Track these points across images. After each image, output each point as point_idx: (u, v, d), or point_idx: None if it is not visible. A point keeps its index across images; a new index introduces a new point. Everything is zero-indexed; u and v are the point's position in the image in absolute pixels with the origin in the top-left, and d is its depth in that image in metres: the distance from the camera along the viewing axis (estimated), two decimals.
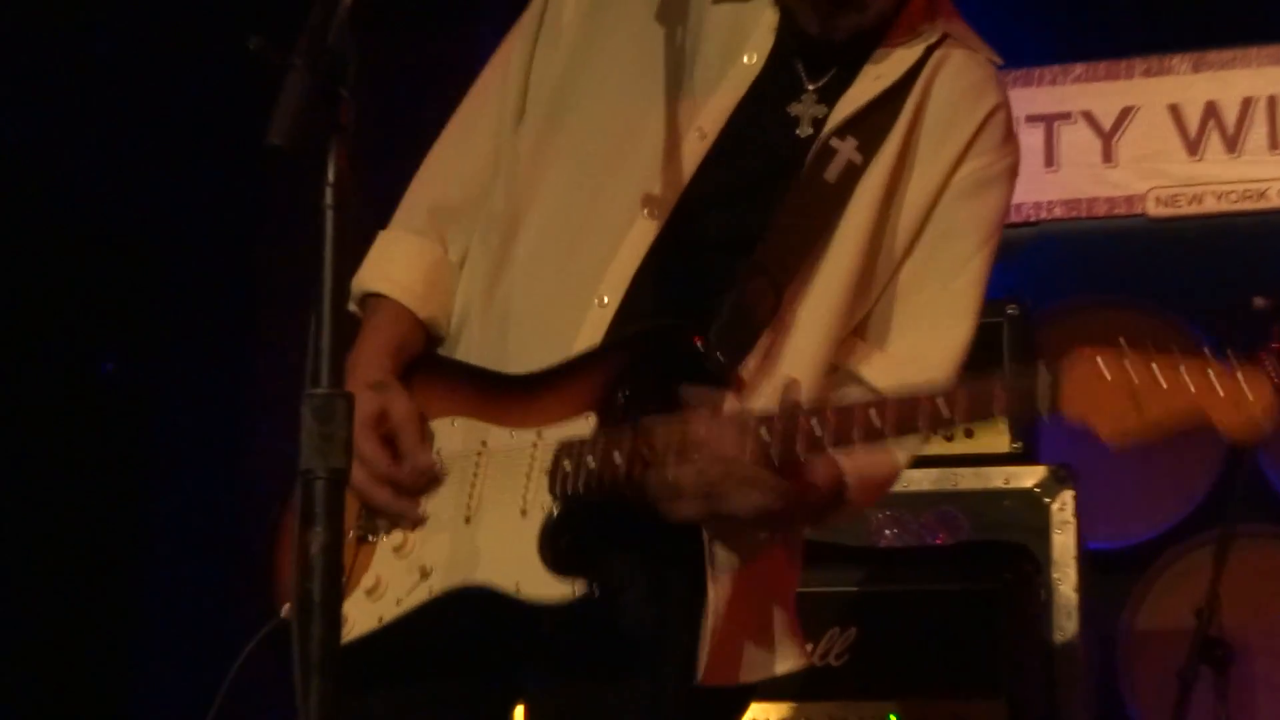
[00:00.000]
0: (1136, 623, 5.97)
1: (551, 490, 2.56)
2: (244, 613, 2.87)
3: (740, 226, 2.69)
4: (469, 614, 2.60)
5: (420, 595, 2.62)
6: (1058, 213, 6.56)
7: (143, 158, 6.25)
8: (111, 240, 6.26)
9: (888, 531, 4.65)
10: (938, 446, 4.71)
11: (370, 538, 2.71)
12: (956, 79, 2.81)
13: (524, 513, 2.58)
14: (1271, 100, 6.44)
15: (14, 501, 5.69)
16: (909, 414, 2.34)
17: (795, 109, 2.75)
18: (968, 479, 4.69)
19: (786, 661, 2.76)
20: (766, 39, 2.78)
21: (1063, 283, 6.32)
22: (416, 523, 2.65)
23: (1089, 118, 6.62)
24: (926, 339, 2.77)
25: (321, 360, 1.98)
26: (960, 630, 4.40)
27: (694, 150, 2.72)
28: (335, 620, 1.96)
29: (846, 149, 2.70)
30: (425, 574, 2.63)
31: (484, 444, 2.67)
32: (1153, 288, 6.31)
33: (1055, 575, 4.57)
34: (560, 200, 2.78)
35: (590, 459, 2.53)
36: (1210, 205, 6.43)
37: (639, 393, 2.57)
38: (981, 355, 4.69)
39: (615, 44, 2.83)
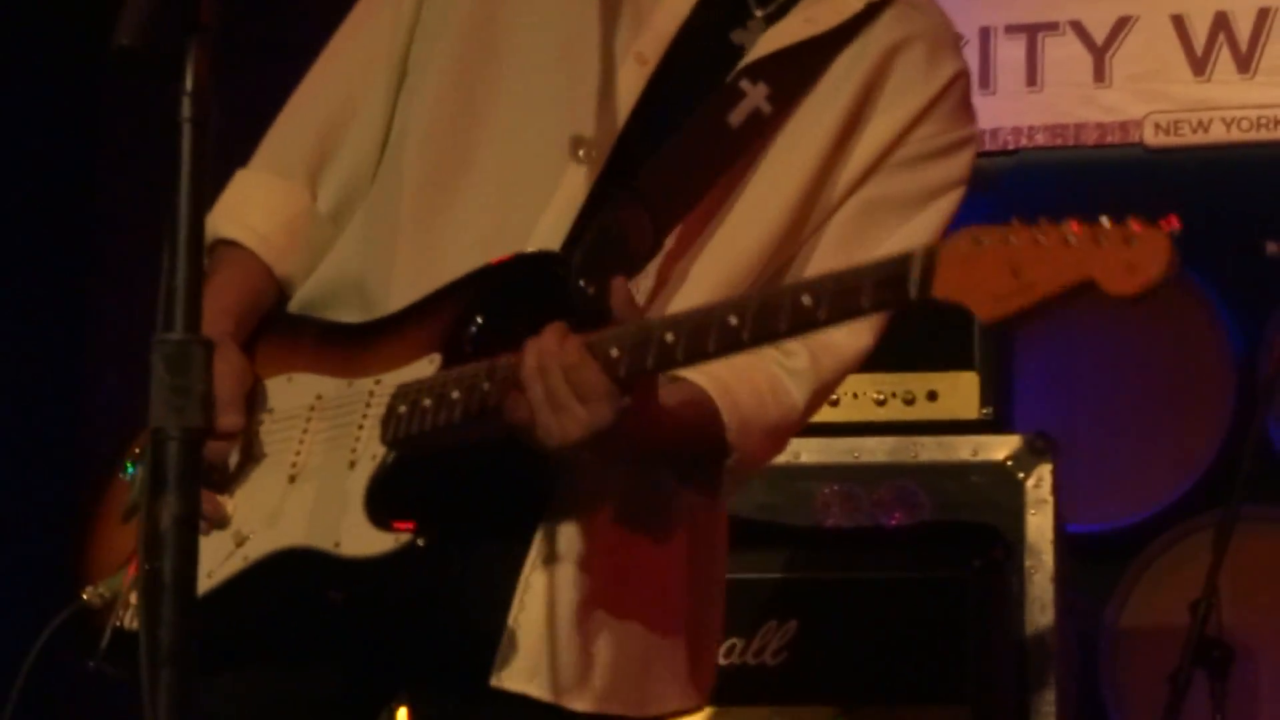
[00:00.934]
0: (1123, 618, 5.98)
1: (383, 438, 2.62)
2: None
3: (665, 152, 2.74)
4: (289, 584, 2.67)
5: (235, 564, 2.67)
6: (1040, 139, 6.58)
7: None
8: None
9: (835, 509, 4.68)
10: (894, 412, 4.76)
11: None
12: (911, 42, 2.85)
13: (352, 465, 2.64)
14: None
15: None
16: (771, 312, 2.34)
17: (739, 36, 2.80)
18: (929, 449, 4.73)
19: (660, 702, 2.81)
20: None
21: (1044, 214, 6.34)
22: (220, 489, 2.68)
23: (1078, 29, 6.62)
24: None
25: (176, 302, 1.98)
26: (918, 625, 4.45)
27: (632, 79, 2.76)
28: (189, 604, 1.96)
29: (756, 94, 2.75)
30: (241, 541, 2.69)
31: (318, 397, 2.74)
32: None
33: (1029, 562, 4.60)
34: (480, 149, 2.80)
35: (426, 399, 2.58)
36: (1218, 134, 6.45)
37: (490, 329, 2.62)
38: (945, 312, 4.79)
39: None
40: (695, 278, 2.71)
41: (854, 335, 2.68)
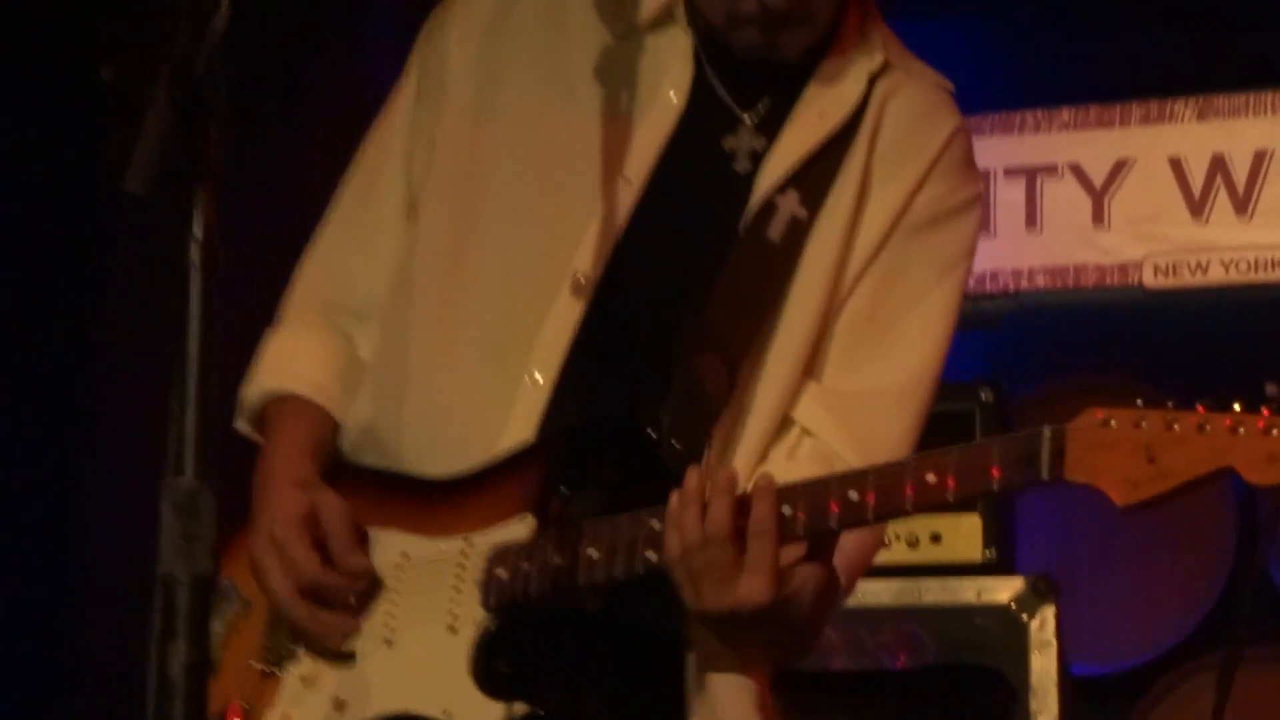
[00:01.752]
0: None
1: (484, 603, 2.58)
2: None
3: (682, 286, 2.73)
4: None
5: None
6: (1040, 282, 6.60)
7: None
8: None
9: (840, 652, 4.67)
10: (898, 554, 4.77)
11: (276, 671, 2.71)
12: (908, 106, 2.85)
13: (453, 629, 2.59)
14: None
15: None
16: (894, 490, 2.37)
17: (730, 143, 2.79)
18: (933, 592, 4.72)
19: None
20: (686, 69, 2.81)
21: (1045, 363, 6.38)
22: (345, 638, 2.64)
23: (1078, 171, 6.68)
24: (873, 376, 2.78)
25: (185, 445, 1.98)
26: None
27: (621, 200, 2.74)
28: None
29: (789, 203, 2.74)
30: (340, 706, 2.63)
31: (405, 555, 2.69)
32: (1149, 370, 6.32)
33: (1034, 705, 4.59)
34: (479, 278, 2.79)
35: (526, 565, 2.55)
36: (1217, 275, 6.48)
37: (582, 489, 2.60)
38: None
39: (516, 97, 2.86)
40: (761, 405, 2.68)
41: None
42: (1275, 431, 2.17)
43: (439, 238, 2.85)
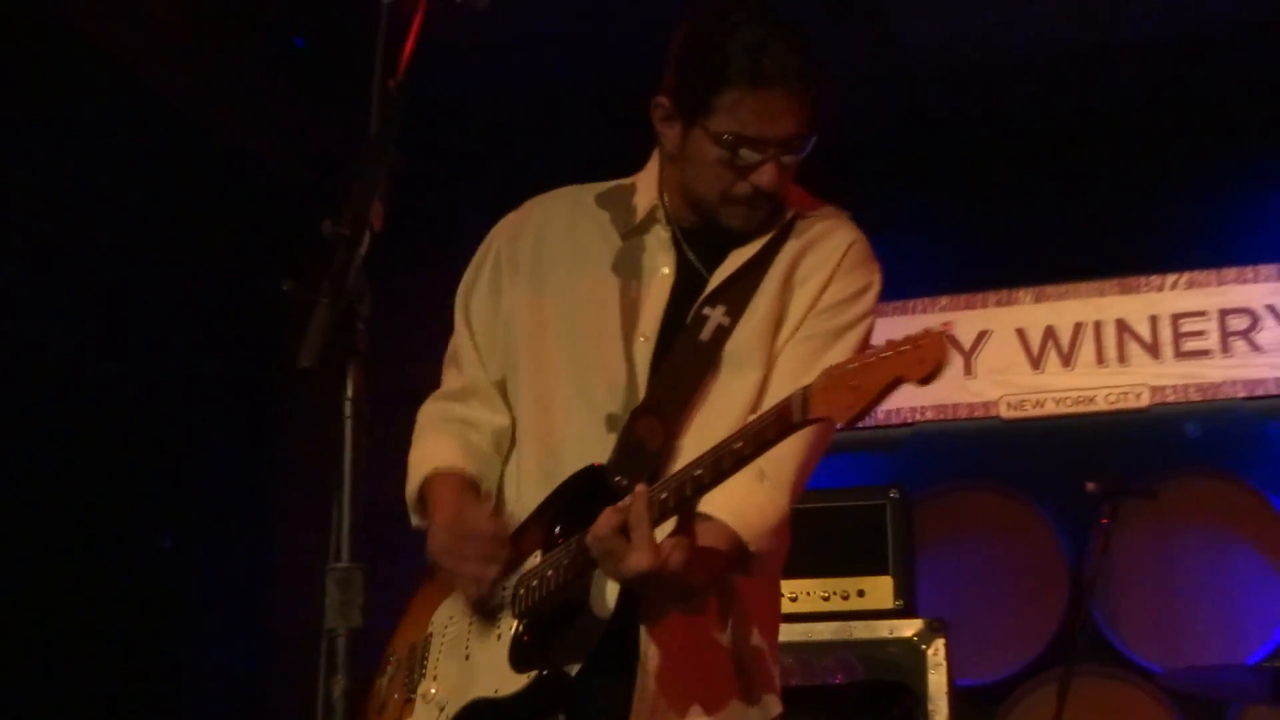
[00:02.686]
0: None
1: (514, 614, 2.62)
2: None
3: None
4: None
5: None
6: (929, 415, 6.57)
7: (197, 374, 6.27)
8: (172, 447, 6.27)
9: (796, 673, 4.64)
10: (835, 605, 4.77)
11: (412, 696, 2.76)
12: (815, 233, 2.82)
13: (499, 637, 2.63)
14: (1097, 325, 6.49)
15: (87, 645, 5.64)
16: (718, 460, 2.39)
17: (706, 310, 2.75)
18: (860, 630, 4.70)
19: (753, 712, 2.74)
20: (671, 252, 2.80)
21: (934, 471, 6.32)
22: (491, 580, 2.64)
23: (952, 339, 6.64)
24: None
25: (342, 539, 2.00)
26: None
27: (642, 354, 2.73)
28: None
29: (716, 314, 2.71)
30: (441, 707, 2.67)
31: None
32: (1006, 475, 6.31)
33: (931, 708, 4.56)
34: (556, 421, 2.79)
35: (535, 581, 2.59)
36: (1050, 408, 6.48)
37: (568, 525, 2.60)
38: (870, 531, 4.79)
39: (562, 289, 2.86)
40: (688, 449, 2.64)
41: (792, 445, 2.55)
42: (922, 344, 2.20)
43: (528, 393, 2.85)
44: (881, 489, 4.90)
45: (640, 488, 2.42)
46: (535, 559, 2.64)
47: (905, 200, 6.77)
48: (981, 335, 6.61)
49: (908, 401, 6.59)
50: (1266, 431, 6.28)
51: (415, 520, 2.88)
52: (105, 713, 5.73)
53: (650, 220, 2.84)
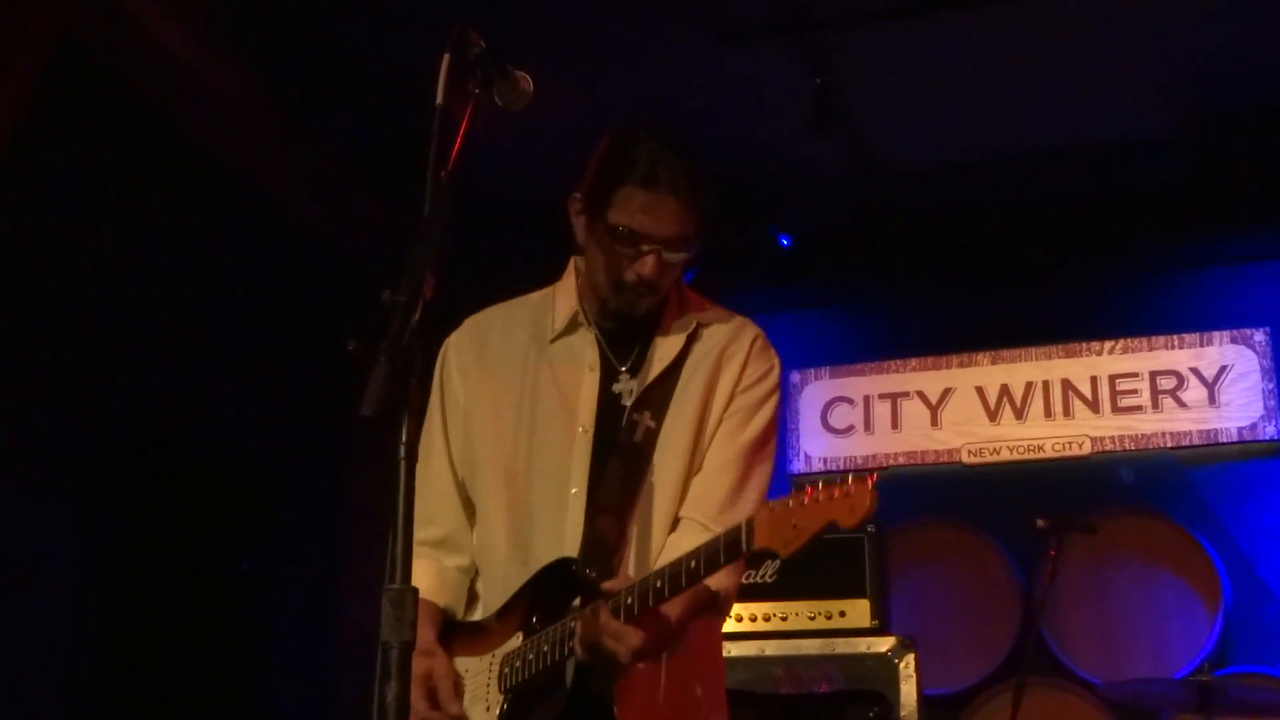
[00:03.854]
0: None
1: (500, 689, 2.60)
2: None
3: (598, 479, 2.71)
4: None
5: None
6: (900, 460, 6.58)
7: (276, 421, 6.28)
8: (253, 484, 6.27)
9: (786, 682, 4.61)
10: (820, 623, 4.74)
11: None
12: (721, 337, 2.81)
13: (488, 709, 2.60)
14: (1046, 384, 6.50)
15: (177, 656, 5.62)
16: (675, 574, 2.36)
17: (617, 387, 2.76)
18: (841, 645, 4.65)
19: None
20: (595, 350, 2.79)
21: (905, 509, 6.31)
22: None
23: (921, 395, 6.66)
24: (711, 464, 2.72)
25: (396, 564, 1.97)
26: None
27: (583, 444, 2.72)
28: None
29: (644, 419, 2.70)
30: None
31: (465, 671, 2.69)
32: (967, 513, 6.30)
33: (903, 714, 4.51)
34: (508, 508, 2.76)
35: (518, 662, 2.57)
36: (1005, 455, 6.47)
37: (545, 611, 2.58)
38: (850, 560, 4.77)
39: (502, 395, 2.82)
40: (640, 538, 2.65)
41: (728, 498, 2.67)
42: (853, 494, 2.18)
43: (490, 460, 2.79)
44: (860, 526, 4.88)
45: (601, 604, 2.42)
46: (517, 640, 2.61)
47: (879, 279, 6.87)
48: (946, 392, 6.61)
49: (882, 449, 6.60)
50: (1189, 476, 6.29)
51: None
52: (196, 711, 5.71)
53: (574, 324, 2.82)
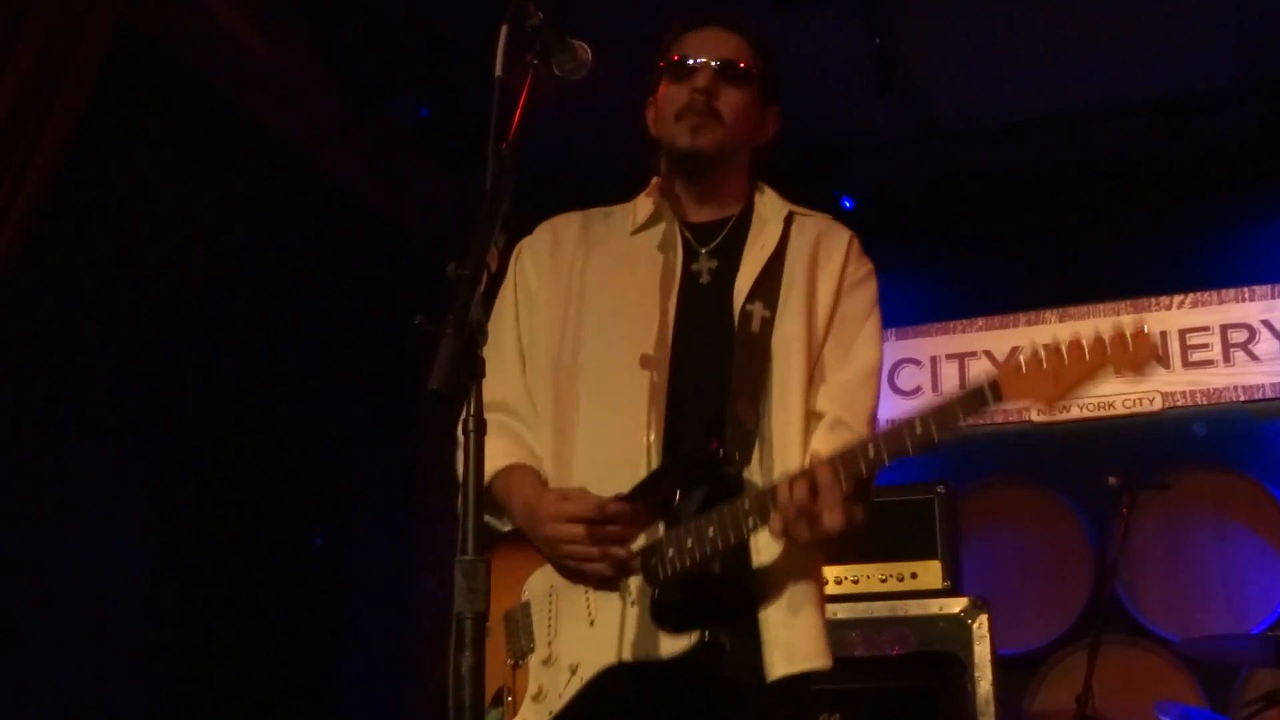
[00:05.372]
0: (1034, 707, 5.87)
1: (649, 581, 2.47)
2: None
3: (716, 368, 2.62)
4: (616, 690, 2.46)
5: (575, 686, 2.48)
6: (970, 420, 6.53)
7: (347, 397, 6.33)
8: (326, 459, 6.33)
9: (860, 645, 4.60)
10: (892, 586, 4.71)
11: (520, 662, 2.59)
12: (817, 230, 2.80)
13: (633, 603, 2.48)
14: None
15: (253, 629, 5.69)
16: (896, 440, 2.32)
17: (695, 266, 2.74)
18: (914, 608, 4.63)
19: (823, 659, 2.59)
20: (678, 237, 2.77)
21: (975, 468, 6.28)
22: (623, 562, 2.49)
23: (989, 355, 6.62)
24: (848, 371, 2.68)
25: (468, 535, 1.97)
26: (914, 715, 4.37)
27: (665, 326, 2.67)
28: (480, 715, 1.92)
29: (758, 309, 2.66)
30: (574, 670, 2.49)
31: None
32: (1037, 472, 6.28)
33: (977, 674, 4.49)
34: (603, 382, 2.68)
35: (671, 552, 2.46)
36: (1075, 414, 6.40)
37: (687, 497, 2.49)
38: (921, 521, 4.74)
39: (585, 279, 2.79)
40: (777, 428, 2.58)
41: (867, 401, 2.65)
42: (1133, 344, 2.14)
43: (567, 360, 2.73)
44: (930, 485, 4.85)
45: (821, 455, 2.37)
46: (658, 529, 2.50)
47: (943, 240, 6.83)
48: (1014, 350, 6.51)
49: None
50: (1263, 430, 6.23)
51: (490, 520, 2.74)
52: (272, 685, 5.78)
53: (656, 218, 2.82)
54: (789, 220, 2.80)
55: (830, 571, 4.80)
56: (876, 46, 5.49)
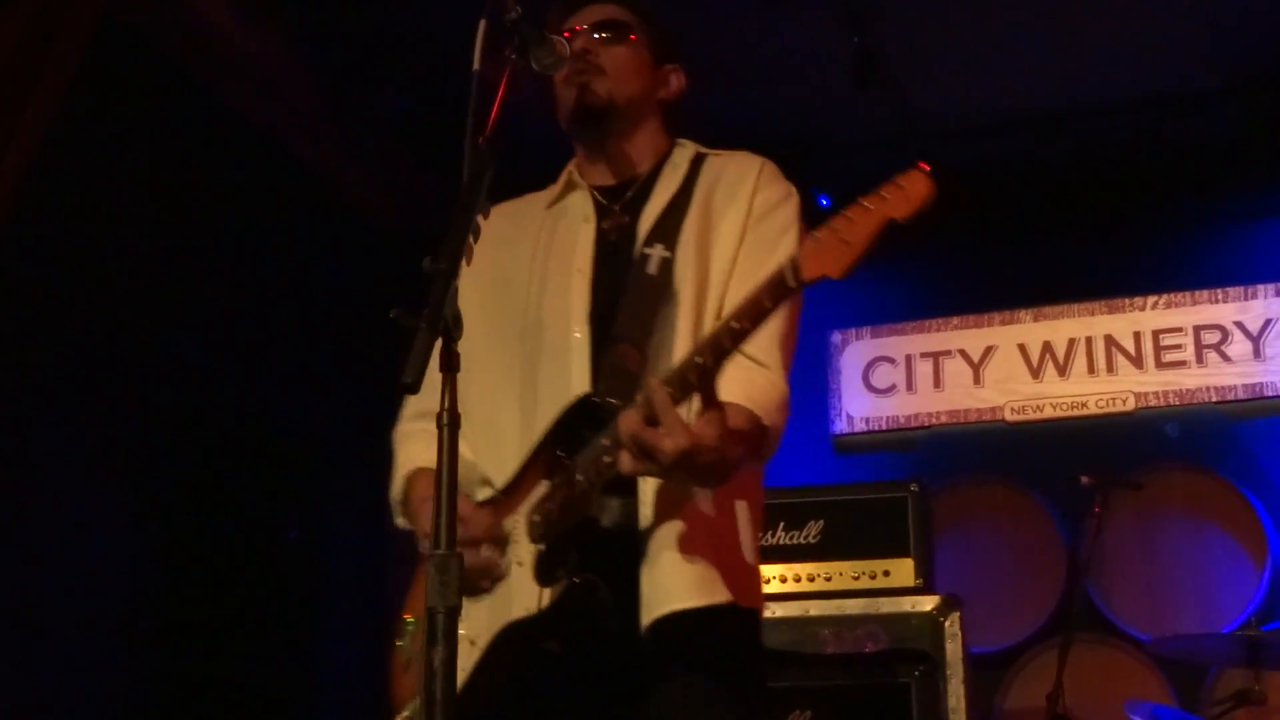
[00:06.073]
0: (1006, 704, 5.88)
1: (531, 540, 2.46)
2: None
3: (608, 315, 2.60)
4: (510, 652, 2.46)
5: (474, 656, 2.48)
6: (943, 419, 6.56)
7: (319, 390, 6.31)
8: (298, 453, 6.31)
9: (832, 642, 4.60)
10: (865, 583, 4.70)
11: None
12: (726, 164, 2.76)
13: (520, 564, 2.46)
14: (1089, 340, 6.48)
15: (228, 623, 5.68)
16: (720, 336, 2.23)
17: (605, 224, 2.71)
18: (886, 605, 4.61)
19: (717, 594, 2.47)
20: (589, 202, 2.75)
21: (948, 468, 6.30)
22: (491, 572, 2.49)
23: (963, 354, 6.64)
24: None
25: (441, 531, 1.97)
26: (885, 712, 4.38)
27: (580, 285, 2.64)
28: (453, 713, 1.92)
29: (657, 251, 2.62)
30: (473, 642, 2.49)
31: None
32: (1010, 470, 6.29)
33: (948, 672, 4.48)
34: (520, 377, 2.65)
35: (549, 504, 2.45)
36: (1048, 413, 6.45)
37: (569, 449, 2.46)
38: (894, 519, 4.75)
39: (502, 253, 2.74)
40: (666, 357, 2.50)
41: (773, 328, 2.50)
42: (906, 183, 2.05)
43: (488, 336, 2.67)
44: (903, 483, 4.85)
45: (653, 380, 2.28)
46: (542, 488, 2.48)
47: (919, 237, 6.73)
48: (988, 350, 6.59)
49: (924, 408, 6.58)
50: (1235, 431, 6.26)
51: (399, 521, 2.78)
52: (247, 679, 5.77)
53: (569, 186, 2.81)
54: (698, 160, 2.77)
55: (803, 568, 4.80)
56: (855, 44, 5.50)
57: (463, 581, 2.04)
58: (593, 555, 2.43)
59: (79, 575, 4.83)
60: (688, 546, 2.44)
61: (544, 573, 2.43)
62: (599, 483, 2.39)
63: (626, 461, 2.28)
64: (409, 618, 2.77)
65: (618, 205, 2.74)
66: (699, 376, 2.25)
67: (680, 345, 2.51)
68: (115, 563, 5.05)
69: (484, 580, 2.51)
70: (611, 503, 2.46)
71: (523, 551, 2.48)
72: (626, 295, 2.60)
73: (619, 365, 2.52)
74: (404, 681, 2.72)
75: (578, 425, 2.47)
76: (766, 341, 2.51)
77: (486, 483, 2.62)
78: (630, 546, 2.44)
